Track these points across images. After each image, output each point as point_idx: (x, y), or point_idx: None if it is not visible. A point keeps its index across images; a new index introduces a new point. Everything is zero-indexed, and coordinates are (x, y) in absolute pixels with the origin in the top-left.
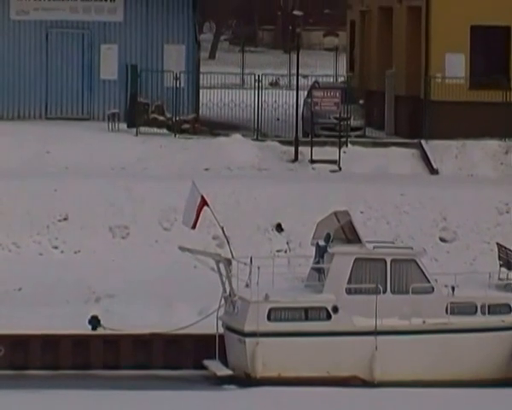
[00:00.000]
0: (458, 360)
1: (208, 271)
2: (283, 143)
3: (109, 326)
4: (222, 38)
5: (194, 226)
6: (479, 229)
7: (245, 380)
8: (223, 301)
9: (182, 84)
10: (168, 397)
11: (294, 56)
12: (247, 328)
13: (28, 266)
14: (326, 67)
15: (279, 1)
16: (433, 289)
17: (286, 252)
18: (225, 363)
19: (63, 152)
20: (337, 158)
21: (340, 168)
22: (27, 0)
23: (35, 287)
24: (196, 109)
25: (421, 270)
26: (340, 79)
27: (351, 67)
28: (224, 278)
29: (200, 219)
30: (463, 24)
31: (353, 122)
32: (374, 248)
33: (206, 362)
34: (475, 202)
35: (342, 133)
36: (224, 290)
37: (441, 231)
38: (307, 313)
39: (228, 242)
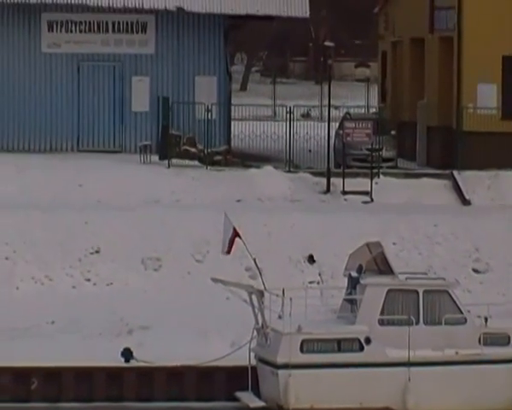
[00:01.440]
0: (491, 391)
1: (241, 302)
2: (315, 174)
3: (142, 359)
4: (253, 69)
5: (228, 251)
6: None
7: None
8: (255, 332)
9: (213, 116)
10: None
11: (326, 88)
12: (280, 360)
13: (61, 299)
14: (357, 98)
15: (310, 32)
16: (465, 320)
17: (318, 283)
18: (258, 395)
19: (95, 185)
20: (369, 189)
21: (372, 199)
22: (59, 33)
23: (68, 320)
24: (228, 141)
25: (454, 301)
26: (372, 110)
27: (382, 97)
28: (256, 310)
29: (234, 246)
30: (495, 54)
31: (385, 153)
32: (406, 279)
33: (239, 394)
34: (508, 232)
35: (374, 164)
36: (257, 322)
37: (474, 262)
38: (340, 345)
39: (260, 273)
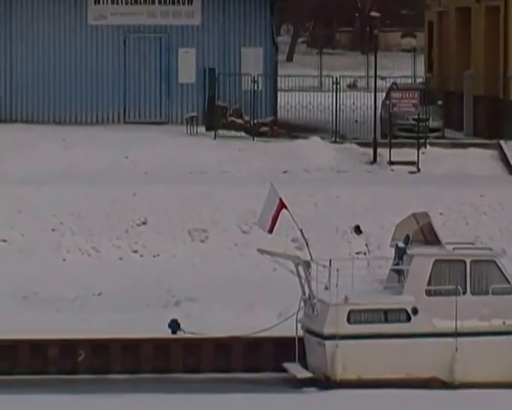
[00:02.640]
0: None
1: (287, 273)
2: (362, 145)
3: (189, 330)
4: (299, 40)
5: (271, 231)
6: None
7: (325, 382)
8: (302, 303)
9: (259, 87)
10: (248, 400)
11: (372, 58)
12: (327, 330)
13: (108, 271)
14: (404, 68)
15: (356, 3)
16: None
17: (365, 254)
18: (305, 366)
19: (142, 157)
20: (416, 159)
21: (418, 170)
22: (105, 5)
23: (115, 291)
24: (274, 112)
25: (501, 271)
26: (419, 81)
27: (429, 68)
28: (303, 281)
29: (277, 222)
30: None
31: (432, 123)
32: (453, 249)
33: (286, 365)
34: None
35: (421, 134)
36: (304, 293)
37: None
38: (387, 315)
39: (307, 244)
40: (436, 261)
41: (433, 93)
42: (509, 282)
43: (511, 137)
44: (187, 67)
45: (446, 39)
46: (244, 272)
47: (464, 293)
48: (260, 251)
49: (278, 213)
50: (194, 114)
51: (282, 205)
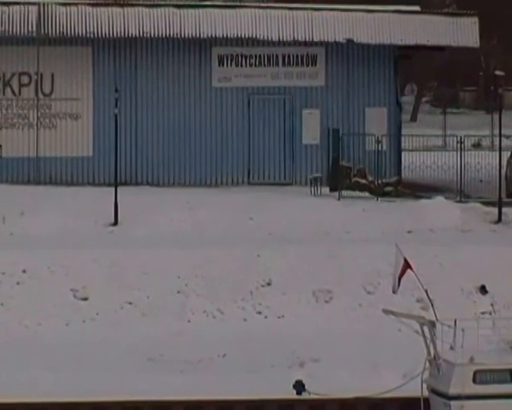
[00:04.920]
0: None
1: (412, 334)
2: (486, 204)
3: (314, 391)
4: (423, 99)
5: (394, 291)
6: None
7: None
8: (427, 364)
9: (384, 147)
10: None
11: (496, 117)
12: (453, 391)
13: (232, 332)
14: None
15: (481, 62)
16: None
17: (490, 314)
18: None
19: (266, 218)
20: None
21: None
22: (229, 67)
23: (239, 353)
24: (398, 172)
25: None
26: None
27: None
28: (428, 341)
29: (401, 282)
30: None
31: None
32: None
33: None
34: None
35: None
36: (429, 353)
37: None
38: None
39: (432, 304)
40: None
41: None
42: None
43: None
44: (311, 128)
45: None
46: (369, 332)
47: None
48: (385, 311)
49: (403, 274)
50: (318, 174)
51: (406, 265)
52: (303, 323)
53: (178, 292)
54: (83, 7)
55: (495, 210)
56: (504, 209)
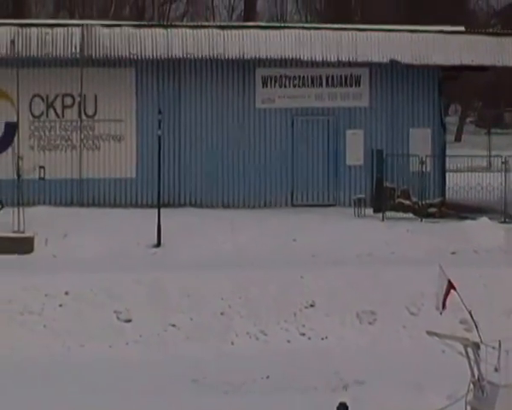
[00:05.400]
0: None
1: (456, 355)
2: None
3: None
4: (468, 120)
5: (439, 310)
6: None
7: None
8: (471, 385)
9: (428, 168)
10: None
11: None
12: None
13: (276, 354)
14: None
15: None
16: None
17: None
18: None
19: (309, 239)
20: None
21: None
22: (273, 88)
23: (283, 374)
24: (443, 193)
25: None
26: None
27: None
28: (472, 363)
29: (447, 302)
30: None
31: None
32: None
33: None
34: None
35: None
36: (473, 375)
37: None
38: None
39: (476, 326)
40: None
41: None
42: None
43: None
44: (355, 149)
45: None
46: (412, 354)
47: None
48: (429, 333)
49: (447, 295)
50: (362, 195)
51: (450, 286)
52: (347, 344)
53: (222, 314)
54: (126, 28)
55: None
56: None
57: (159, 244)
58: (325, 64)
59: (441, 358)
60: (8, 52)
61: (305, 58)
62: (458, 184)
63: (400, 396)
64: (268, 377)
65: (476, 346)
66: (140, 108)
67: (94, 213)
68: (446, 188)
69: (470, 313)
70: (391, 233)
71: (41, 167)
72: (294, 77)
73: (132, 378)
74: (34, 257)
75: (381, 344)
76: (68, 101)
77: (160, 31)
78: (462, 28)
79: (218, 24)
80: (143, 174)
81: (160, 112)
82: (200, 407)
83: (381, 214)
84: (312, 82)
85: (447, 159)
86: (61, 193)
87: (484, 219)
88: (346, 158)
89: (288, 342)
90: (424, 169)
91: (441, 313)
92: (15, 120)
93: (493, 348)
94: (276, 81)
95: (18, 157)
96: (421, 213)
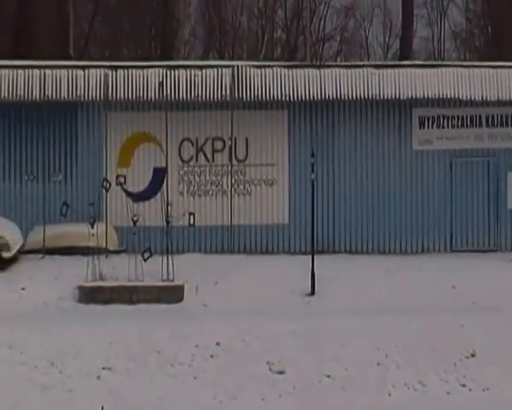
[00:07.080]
0: None
1: None
2: None
3: None
4: None
5: None
6: None
7: None
8: None
9: None
10: None
11: None
12: None
13: (435, 405)
14: None
15: None
16: None
17: None
18: None
19: (469, 286)
20: None
21: None
22: (430, 129)
23: None
24: None
25: None
26: None
27: None
28: None
29: None
30: None
31: None
32: None
33: None
34: None
35: None
36: None
37: None
38: None
39: None
40: None
41: None
42: None
43: None
44: None
45: None
46: None
47: None
48: None
49: None
50: None
51: None
52: (508, 396)
53: (378, 364)
54: (278, 69)
55: None
56: None
57: (313, 292)
58: (484, 103)
59: None
60: (157, 95)
61: (464, 97)
62: None
63: None
64: None
65: None
66: (292, 151)
67: (245, 261)
68: None
69: None
70: None
71: (190, 214)
72: (453, 117)
73: None
74: (184, 306)
75: None
76: (218, 145)
77: (312, 71)
78: None
79: (373, 63)
80: (296, 220)
81: (313, 154)
82: None
83: None
84: (471, 122)
85: None
86: (211, 240)
87: None
88: (508, 201)
89: (448, 393)
90: None
91: None
92: (164, 165)
93: None
94: (433, 122)
95: (167, 203)
96: None
